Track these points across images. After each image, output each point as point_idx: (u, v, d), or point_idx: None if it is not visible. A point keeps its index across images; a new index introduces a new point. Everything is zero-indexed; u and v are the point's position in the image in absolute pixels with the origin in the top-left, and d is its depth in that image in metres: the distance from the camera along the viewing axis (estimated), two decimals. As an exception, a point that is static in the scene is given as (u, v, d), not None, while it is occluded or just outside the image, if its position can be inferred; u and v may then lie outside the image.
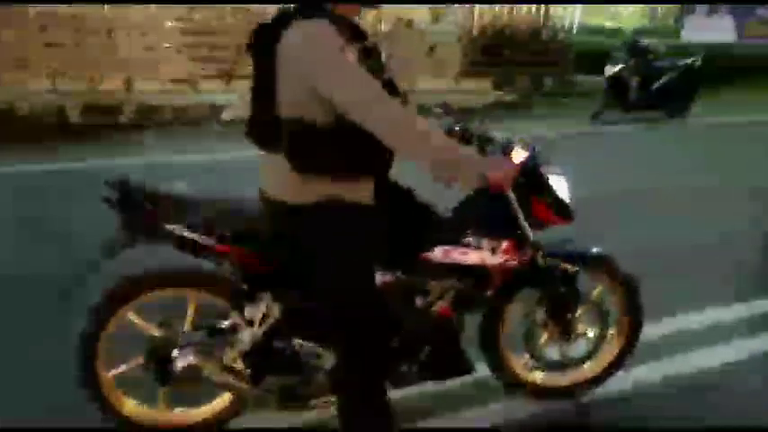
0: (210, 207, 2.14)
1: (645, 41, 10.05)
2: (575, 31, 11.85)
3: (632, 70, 9.48)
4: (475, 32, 11.11)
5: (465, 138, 2.43)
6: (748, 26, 17.90)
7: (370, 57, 1.89)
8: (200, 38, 9.05)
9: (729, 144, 8.06)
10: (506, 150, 2.28)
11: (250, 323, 2.17)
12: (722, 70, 12.41)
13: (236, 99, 8.22)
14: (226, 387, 2.23)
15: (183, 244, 2.10)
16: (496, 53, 11.21)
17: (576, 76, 11.73)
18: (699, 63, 9.93)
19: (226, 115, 8.16)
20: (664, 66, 9.77)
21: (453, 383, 2.52)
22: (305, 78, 1.80)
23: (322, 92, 1.79)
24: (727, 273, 4.03)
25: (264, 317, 2.17)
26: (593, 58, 11.10)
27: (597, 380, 2.69)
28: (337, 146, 1.89)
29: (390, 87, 1.90)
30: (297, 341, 2.22)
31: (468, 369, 2.41)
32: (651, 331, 2.93)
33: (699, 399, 2.74)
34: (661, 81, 9.57)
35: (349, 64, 1.77)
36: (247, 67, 2.11)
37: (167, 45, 8.78)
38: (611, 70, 9.57)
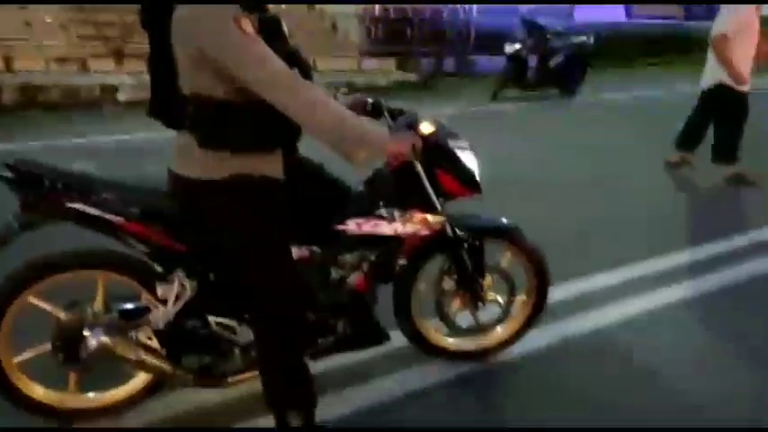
0: (117, 185, 2.07)
1: (542, 21, 10.44)
2: (475, 12, 12.10)
3: (530, 49, 9.83)
4: (377, 13, 11.15)
5: (375, 111, 2.46)
6: (636, 6, 18.81)
7: (269, 28, 1.85)
8: (84, 14, 8.57)
9: (612, 120, 8.57)
10: (412, 124, 2.33)
11: (163, 302, 2.13)
12: (612, 49, 13.11)
13: (129, 79, 7.89)
14: (141, 366, 2.17)
15: (89, 222, 2.02)
16: (399, 34, 11.31)
17: (476, 55, 12.01)
18: (590, 42, 10.44)
19: (122, 96, 7.82)
20: (559, 45, 10.19)
21: (369, 353, 2.57)
22: (202, 53, 1.75)
23: (220, 65, 1.75)
24: (614, 238, 4.30)
25: (178, 295, 2.13)
26: (492, 38, 11.40)
27: (507, 342, 2.81)
28: (243, 120, 1.86)
29: (293, 58, 1.89)
30: (212, 318, 2.20)
31: (383, 338, 2.47)
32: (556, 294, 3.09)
33: (599, 356, 2.92)
34: (556, 60, 9.99)
35: (246, 35, 1.73)
36: (139, 44, 2.04)
37: (49, 20, 8.26)
38: (509, 49, 9.88)
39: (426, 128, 2.29)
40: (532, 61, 9.82)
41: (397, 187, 2.33)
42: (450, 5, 11.84)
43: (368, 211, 2.30)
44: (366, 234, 2.29)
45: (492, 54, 11.19)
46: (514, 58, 9.82)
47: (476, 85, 10.56)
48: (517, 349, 2.84)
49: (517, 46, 9.83)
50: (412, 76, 10.72)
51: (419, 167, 2.26)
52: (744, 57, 5.38)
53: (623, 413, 2.51)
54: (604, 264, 3.81)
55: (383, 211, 2.31)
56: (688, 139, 6.00)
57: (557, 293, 3.03)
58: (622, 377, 2.76)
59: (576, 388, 2.67)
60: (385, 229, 2.31)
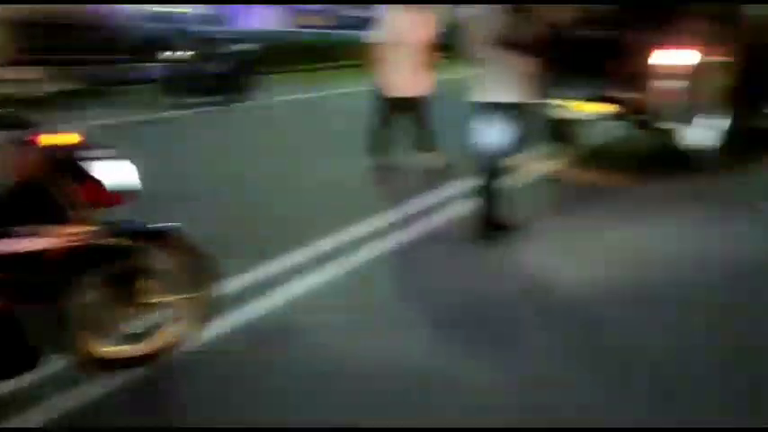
0: None
1: (208, 28, 10.59)
2: (139, 20, 11.70)
3: (195, 57, 9.89)
4: (30, 17, 10.12)
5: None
6: (297, 16, 20.03)
7: None
8: None
9: (279, 119, 9.17)
10: (33, 135, 2.24)
11: None
12: (277, 55, 13.83)
13: None
14: None
15: None
16: (59, 40, 10.43)
17: (144, 63, 11.64)
18: (256, 49, 10.89)
19: None
20: (225, 52, 10.43)
21: (34, 375, 2.46)
22: None
23: None
24: (275, 226, 4.59)
25: None
26: (159, 46, 11.16)
27: (178, 342, 2.84)
28: None
29: None
30: None
31: (33, 363, 2.35)
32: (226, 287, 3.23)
33: (267, 343, 3.10)
34: (222, 66, 10.19)
35: None
36: None
37: None
38: (175, 56, 9.82)
39: (56, 139, 2.24)
40: (200, 68, 9.89)
41: (24, 202, 2.24)
42: (117, 12, 11.29)
43: (5, 229, 2.18)
44: (3, 253, 2.17)
45: (159, 62, 10.96)
46: (181, 64, 9.79)
47: (143, 94, 10.29)
48: (185, 347, 2.88)
49: (183, 53, 9.83)
50: (74, 85, 10.00)
51: (52, 180, 2.20)
52: (394, 64, 5.89)
53: (297, 398, 2.64)
54: (266, 253, 4.02)
55: (22, 228, 2.21)
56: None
57: (226, 286, 3.18)
58: (293, 358, 2.94)
59: (247, 375, 2.80)
60: (24, 245, 2.21)
